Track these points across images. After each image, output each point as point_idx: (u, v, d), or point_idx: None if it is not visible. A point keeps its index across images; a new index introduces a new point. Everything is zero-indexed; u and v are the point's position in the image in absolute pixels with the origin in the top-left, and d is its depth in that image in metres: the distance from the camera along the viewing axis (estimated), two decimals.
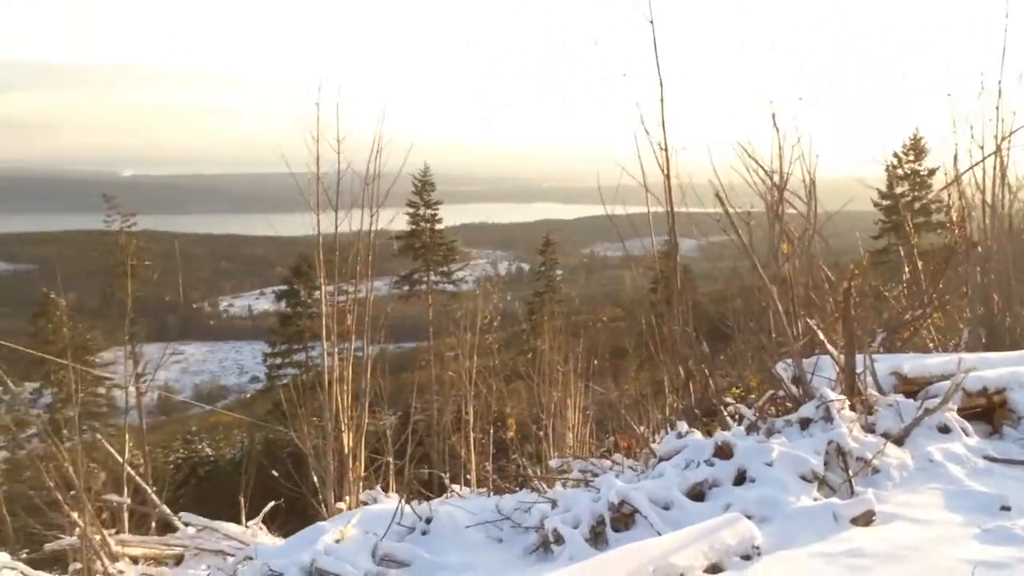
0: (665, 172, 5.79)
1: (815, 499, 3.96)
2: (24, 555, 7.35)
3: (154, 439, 42.04)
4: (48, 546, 7.45)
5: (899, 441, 4.71)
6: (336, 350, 9.43)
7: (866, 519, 3.93)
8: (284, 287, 37.26)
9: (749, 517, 3.68)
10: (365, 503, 6.20)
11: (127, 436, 11.45)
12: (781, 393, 5.32)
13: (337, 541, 3.83)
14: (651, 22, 5.40)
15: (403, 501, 3.96)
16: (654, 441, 5.65)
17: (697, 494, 3.92)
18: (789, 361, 5.30)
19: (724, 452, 4.13)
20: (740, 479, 4.02)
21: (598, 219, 6.71)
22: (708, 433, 4.84)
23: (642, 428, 6.49)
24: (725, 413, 5.55)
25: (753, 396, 6.03)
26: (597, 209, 6.82)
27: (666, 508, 3.78)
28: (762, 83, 5.97)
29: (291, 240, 9.15)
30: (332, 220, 9.29)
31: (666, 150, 5.79)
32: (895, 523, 4.02)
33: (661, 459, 4.30)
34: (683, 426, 4.49)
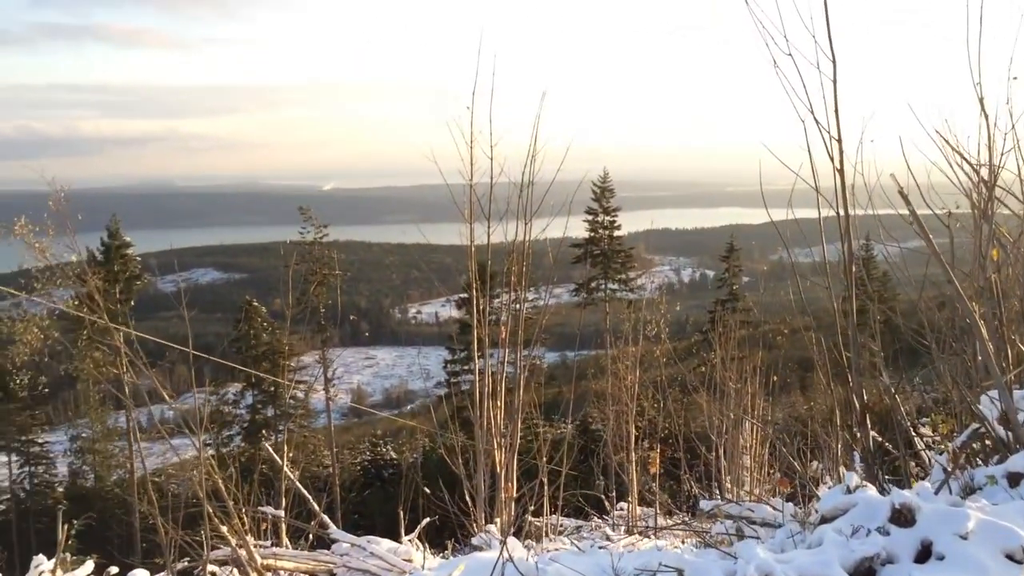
0: (838, 167, 4.91)
1: None
2: (176, 566, 7.41)
3: (344, 440, 44.26)
4: (197, 560, 7.49)
5: None
6: (489, 365, 9.06)
7: None
8: (464, 295, 37.90)
9: None
10: (477, 548, 5.76)
11: (288, 444, 11.50)
12: (983, 434, 4.34)
13: None
14: None
15: (504, 552, 3.42)
16: (825, 483, 4.82)
17: (865, 573, 3.10)
18: (995, 394, 4.33)
19: (903, 517, 3.28)
20: (924, 555, 3.16)
21: (785, 223, 5.90)
22: (884, 488, 3.98)
23: (815, 465, 5.63)
24: (910, 461, 4.61)
25: (943, 438, 5.02)
26: (782, 213, 6.10)
27: None
28: (968, 60, 4.95)
29: (479, 248, 8.87)
30: (499, 229, 8.96)
31: (840, 141, 4.92)
32: None
33: (824, 519, 3.51)
34: (852, 478, 3.66)
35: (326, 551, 8.55)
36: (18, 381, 36.31)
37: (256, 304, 36.99)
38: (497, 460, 8.69)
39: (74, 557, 6.14)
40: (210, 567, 7.25)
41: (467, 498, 8.83)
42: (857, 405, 4.64)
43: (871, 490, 3.63)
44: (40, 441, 37.78)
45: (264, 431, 34.92)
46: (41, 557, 5.59)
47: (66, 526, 5.88)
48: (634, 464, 11.87)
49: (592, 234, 38.30)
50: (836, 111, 4.72)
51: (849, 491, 3.61)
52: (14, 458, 36.94)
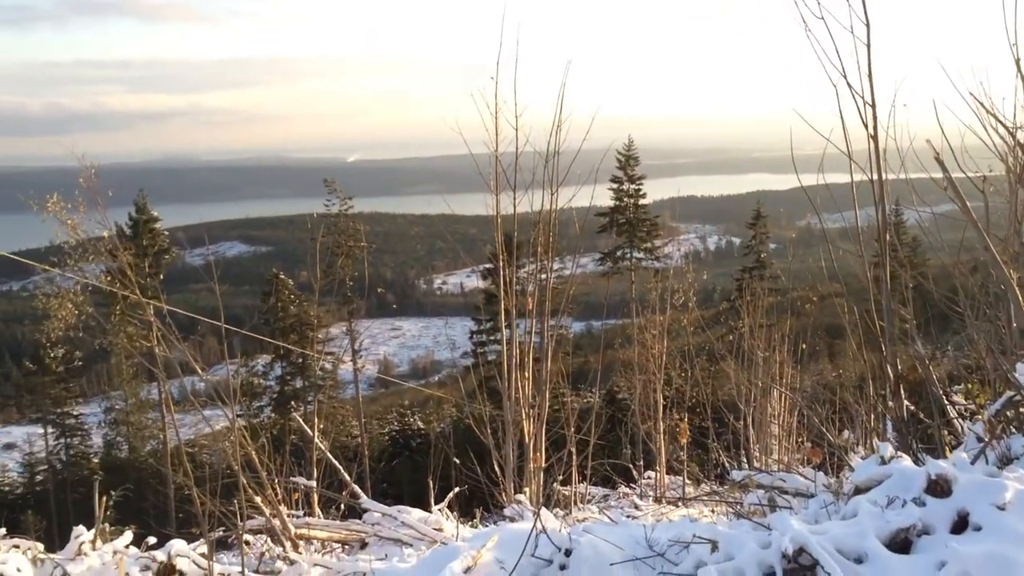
0: (871, 133, 4.82)
1: None
2: (213, 536, 7.52)
3: (372, 410, 44.64)
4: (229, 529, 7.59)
5: None
6: (516, 335, 9.05)
7: None
8: (489, 265, 37.87)
9: None
10: (510, 518, 5.79)
11: (317, 415, 11.58)
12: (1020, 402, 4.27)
13: (467, 570, 3.39)
14: None
15: (537, 524, 3.43)
16: (857, 452, 4.77)
17: (901, 544, 3.06)
18: None
19: (939, 488, 3.24)
20: (961, 526, 3.11)
21: (815, 189, 5.80)
22: (918, 458, 3.93)
23: (846, 434, 5.59)
24: (943, 430, 4.54)
25: (978, 406, 4.95)
26: (811, 179, 6.01)
27: (858, 561, 2.98)
28: (1003, 21, 4.80)
29: (504, 219, 8.82)
30: (524, 200, 8.90)
31: (873, 106, 4.82)
32: None
33: (858, 489, 3.47)
34: (886, 448, 3.62)
35: (357, 520, 8.65)
36: (52, 355, 36.91)
37: (283, 277, 37.18)
38: (525, 430, 8.71)
39: (112, 527, 6.24)
40: (245, 536, 7.35)
41: (496, 468, 8.87)
42: (890, 374, 4.59)
43: (905, 460, 3.59)
44: (75, 413, 38.46)
45: (293, 402, 35.27)
46: (81, 528, 5.69)
47: (104, 497, 5.98)
48: (662, 433, 11.85)
49: (617, 203, 38.01)
50: (870, 75, 4.63)
51: (883, 461, 3.57)
52: (50, 430, 37.65)
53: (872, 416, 5.74)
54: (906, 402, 4.78)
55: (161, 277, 32.76)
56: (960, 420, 5.05)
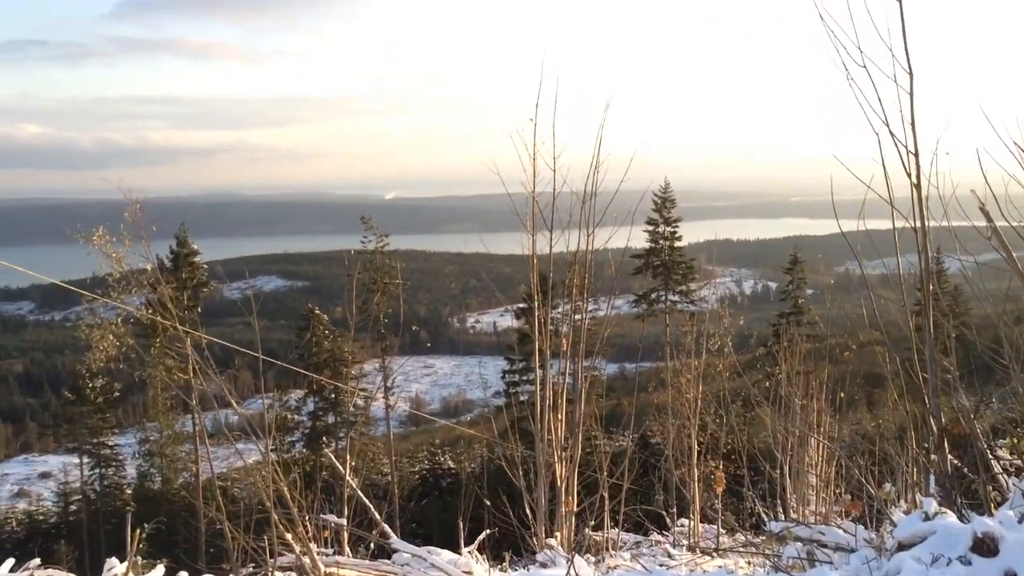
0: (915, 181, 4.77)
1: None
2: (243, 573, 7.52)
3: (403, 448, 44.56)
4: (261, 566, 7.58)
5: None
6: (550, 376, 9.01)
7: None
8: (523, 305, 37.84)
9: None
10: (541, 564, 5.71)
11: (350, 453, 11.58)
12: None
13: None
14: None
15: (571, 571, 3.38)
16: (898, 506, 4.64)
17: None
18: None
19: (986, 546, 3.14)
20: None
21: (855, 235, 5.74)
22: (963, 515, 3.82)
23: (886, 487, 5.45)
24: (988, 486, 4.42)
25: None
26: (851, 225, 5.96)
27: None
28: None
29: (540, 259, 8.84)
30: (560, 240, 8.91)
31: (916, 155, 4.78)
32: None
33: (901, 546, 3.38)
34: (930, 504, 3.52)
35: (387, 561, 8.59)
36: (92, 386, 37.43)
37: (318, 312, 37.49)
38: (558, 473, 8.63)
39: (144, 560, 6.27)
40: (275, 574, 7.33)
41: (527, 511, 8.78)
42: (934, 427, 4.49)
43: (950, 517, 3.49)
44: (111, 444, 38.84)
45: (325, 438, 35.33)
46: (114, 560, 5.73)
47: (138, 530, 6.02)
48: (696, 480, 11.66)
49: (653, 245, 37.91)
50: (913, 124, 4.60)
51: (927, 517, 3.48)
52: (86, 460, 38.04)
53: (914, 469, 5.60)
54: (950, 456, 4.67)
55: (199, 310, 33.21)
56: (1005, 475, 4.91)
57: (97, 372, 35.26)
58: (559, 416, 8.69)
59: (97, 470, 38.14)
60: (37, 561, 5.81)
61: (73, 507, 38.79)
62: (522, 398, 34.42)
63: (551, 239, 8.55)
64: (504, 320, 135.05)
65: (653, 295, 37.96)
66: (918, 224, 4.88)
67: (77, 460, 38.55)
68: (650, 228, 37.62)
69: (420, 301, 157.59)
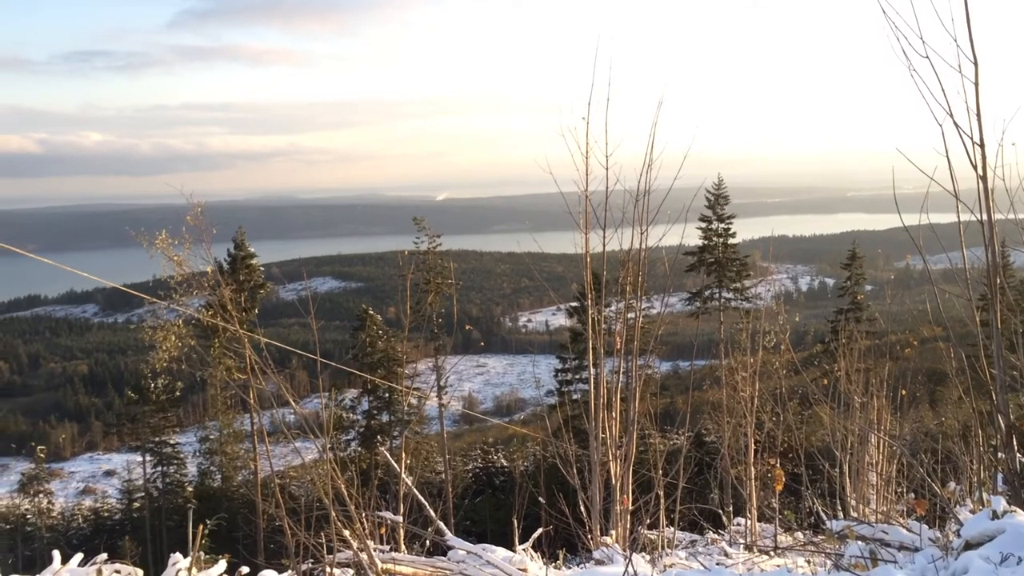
0: (980, 173, 4.65)
1: None
2: (303, 568, 7.64)
3: (456, 447, 44.84)
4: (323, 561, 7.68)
5: None
6: (604, 374, 8.98)
7: None
8: (576, 304, 37.77)
9: None
10: (598, 561, 5.68)
11: (405, 451, 11.63)
12: None
13: None
14: None
15: (628, 568, 3.37)
16: (964, 505, 4.51)
17: None
18: None
19: None
20: None
21: (917, 229, 5.61)
22: None
23: (951, 486, 5.30)
24: None
25: None
26: (911, 218, 5.83)
27: None
28: None
29: (593, 257, 8.87)
30: (612, 238, 8.88)
31: (982, 146, 4.66)
32: None
33: (968, 545, 3.29)
34: (999, 502, 3.42)
35: (442, 558, 8.64)
36: (154, 386, 38.37)
37: (372, 312, 37.88)
38: (613, 471, 8.59)
39: (207, 556, 6.40)
40: (333, 570, 7.42)
41: (581, 509, 8.76)
42: (1002, 424, 4.36)
43: (1020, 516, 3.39)
44: (172, 442, 39.77)
45: (380, 436, 35.69)
46: (178, 555, 5.86)
47: (200, 526, 6.14)
48: (753, 479, 11.50)
49: (706, 242, 37.54)
50: (979, 114, 4.47)
51: (995, 516, 3.38)
52: (148, 458, 39.00)
53: (980, 467, 5.45)
54: (1018, 453, 4.54)
55: (256, 311, 33.78)
56: None
57: (159, 372, 36.11)
58: (613, 414, 8.65)
59: (159, 468, 39.09)
60: (104, 556, 5.97)
61: (136, 504, 39.83)
62: (575, 396, 34.36)
63: (604, 237, 8.52)
64: (556, 319, 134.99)
65: (707, 293, 37.59)
66: (984, 217, 4.75)
67: (140, 458, 39.55)
68: (703, 225, 37.26)
69: (472, 301, 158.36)
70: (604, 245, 8.71)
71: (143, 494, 39.28)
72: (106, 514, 41.39)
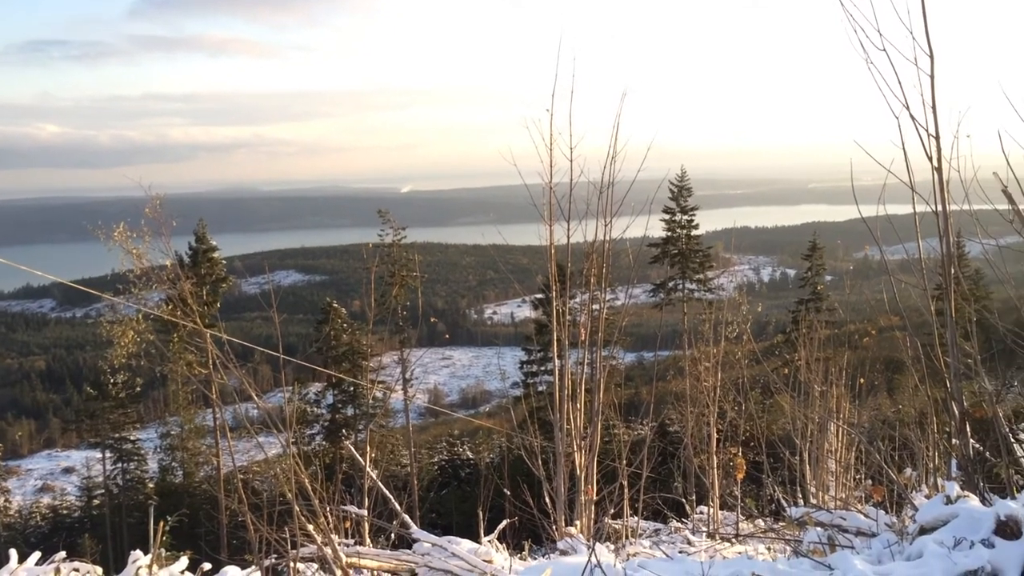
0: (936, 165, 4.73)
1: None
2: (265, 563, 7.58)
3: (422, 440, 44.76)
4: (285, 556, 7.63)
5: None
6: (568, 366, 9.02)
7: None
8: (541, 295, 37.84)
9: None
10: (562, 551, 5.72)
11: (369, 445, 11.62)
12: None
13: None
14: None
15: (592, 558, 3.39)
16: (919, 490, 4.61)
17: None
18: None
19: (1009, 530, 3.11)
20: None
21: (874, 220, 5.70)
22: (985, 498, 3.79)
23: (907, 472, 5.42)
24: (1010, 469, 4.38)
25: None
26: (870, 210, 5.93)
27: None
28: None
29: (558, 249, 8.85)
30: (577, 230, 8.91)
31: (937, 138, 4.74)
32: None
33: (923, 530, 3.36)
34: (953, 488, 3.50)
35: (408, 551, 8.62)
36: (113, 381, 37.79)
37: (337, 306, 37.62)
38: (577, 462, 8.64)
39: (168, 553, 6.32)
40: (296, 564, 7.38)
41: (546, 500, 8.80)
42: (956, 411, 4.45)
43: (973, 500, 3.47)
44: (132, 438, 39.22)
45: (344, 430, 35.50)
46: (138, 552, 5.78)
47: (162, 522, 6.07)
48: (715, 467, 11.64)
49: (670, 234, 37.83)
50: (934, 107, 4.55)
51: (949, 501, 3.46)
52: (108, 455, 38.44)
53: (935, 453, 5.56)
54: (971, 440, 4.64)
55: (218, 305, 33.38)
56: None
57: (118, 368, 35.59)
58: (578, 405, 8.69)
59: (119, 464, 38.55)
60: (62, 554, 5.87)
61: (96, 501, 39.26)
62: (540, 388, 34.44)
63: (568, 229, 8.54)
64: (521, 311, 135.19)
65: (671, 284, 37.89)
66: (939, 208, 4.83)
67: (100, 455, 38.98)
68: (667, 217, 37.53)
69: (438, 293, 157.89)
70: (569, 237, 8.73)
71: (103, 491, 38.71)
72: (65, 512, 40.75)
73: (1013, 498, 3.85)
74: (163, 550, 6.25)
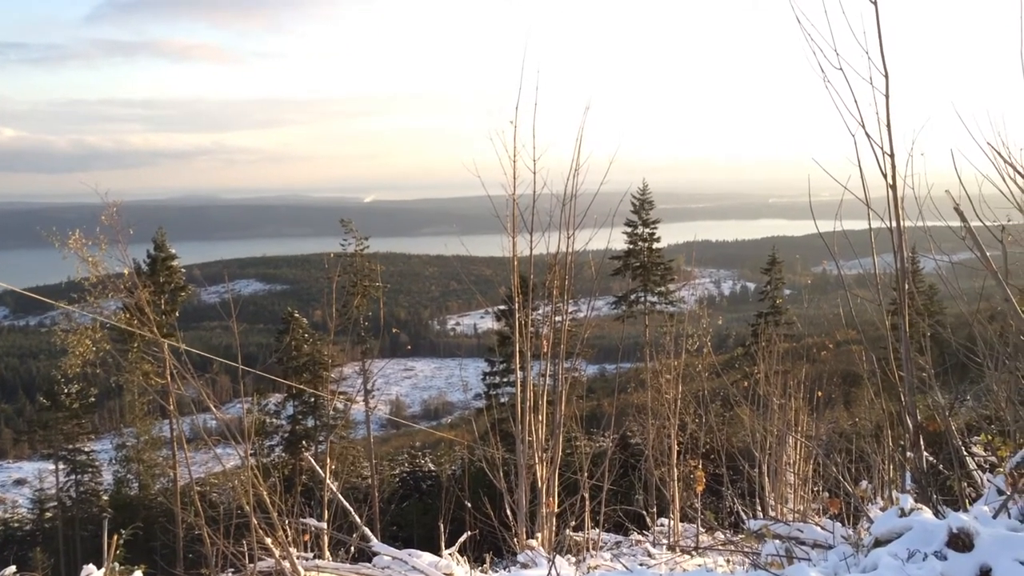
0: (890, 182, 4.83)
1: None
2: None
3: (383, 451, 44.42)
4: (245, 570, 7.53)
5: None
6: (531, 377, 9.02)
7: None
8: (504, 307, 37.77)
9: None
10: (523, 564, 5.71)
11: (330, 457, 11.52)
12: None
13: None
14: (873, 1, 4.51)
15: (552, 571, 3.39)
16: (875, 503, 4.68)
17: None
18: None
19: (961, 542, 3.18)
20: None
21: (832, 235, 5.78)
22: (939, 511, 3.86)
23: (863, 484, 5.51)
24: (963, 482, 4.47)
25: (998, 458, 4.88)
26: (827, 225, 6.03)
27: None
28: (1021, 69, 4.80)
29: (521, 261, 8.85)
30: (540, 242, 8.93)
31: (892, 156, 4.84)
32: None
33: (877, 542, 3.41)
34: (906, 500, 3.56)
35: (368, 564, 8.55)
36: (67, 391, 37.01)
37: (298, 316, 37.25)
38: (539, 474, 8.64)
39: (122, 567, 6.21)
40: None
41: (508, 512, 8.78)
42: (909, 424, 4.54)
43: (926, 513, 3.53)
44: (87, 450, 38.41)
45: (305, 442, 35.10)
46: (91, 567, 5.67)
47: (115, 536, 5.96)
48: (675, 480, 11.71)
49: (631, 246, 38.04)
50: (889, 126, 4.65)
51: (903, 513, 3.52)
52: (61, 466, 37.60)
53: (890, 466, 5.65)
54: (925, 453, 4.72)
55: (176, 314, 32.88)
56: (980, 472, 4.97)
57: (73, 377, 34.85)
58: (539, 417, 8.70)
59: (73, 476, 37.71)
60: (12, 568, 5.74)
61: (49, 514, 38.33)
62: (503, 400, 34.37)
63: (531, 241, 8.58)
64: (484, 322, 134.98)
65: (632, 296, 38.07)
66: (894, 224, 4.93)
67: (52, 466, 38.10)
68: (629, 230, 37.74)
69: (400, 304, 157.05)
70: (531, 249, 8.77)
71: (55, 503, 37.83)
72: (16, 524, 39.72)
73: (965, 511, 3.93)
74: (117, 564, 6.14)
